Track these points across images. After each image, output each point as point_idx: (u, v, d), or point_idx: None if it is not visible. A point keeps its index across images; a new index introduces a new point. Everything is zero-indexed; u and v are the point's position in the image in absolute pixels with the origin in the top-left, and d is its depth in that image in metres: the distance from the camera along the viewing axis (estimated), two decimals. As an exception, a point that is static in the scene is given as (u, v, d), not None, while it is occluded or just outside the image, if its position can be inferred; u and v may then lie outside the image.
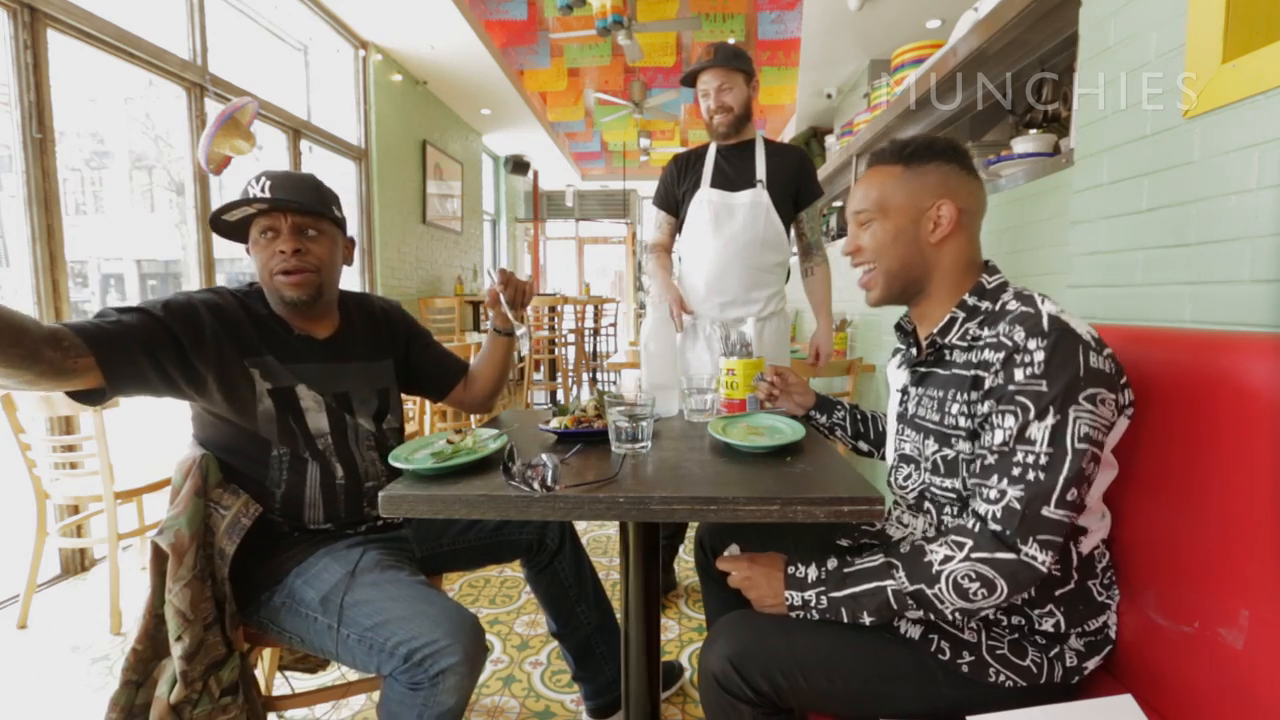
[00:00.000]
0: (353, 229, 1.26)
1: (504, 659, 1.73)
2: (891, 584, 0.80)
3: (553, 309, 5.43)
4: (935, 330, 0.91)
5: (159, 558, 1.01)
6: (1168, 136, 1.12)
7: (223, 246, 3.18)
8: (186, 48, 3.01)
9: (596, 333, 7.39)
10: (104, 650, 1.82)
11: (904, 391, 1.00)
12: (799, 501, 0.78)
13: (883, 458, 1.23)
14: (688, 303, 1.93)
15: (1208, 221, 1.03)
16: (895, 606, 0.80)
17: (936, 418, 0.90)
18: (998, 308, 0.86)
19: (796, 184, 1.89)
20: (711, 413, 1.23)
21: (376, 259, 4.73)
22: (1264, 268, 0.93)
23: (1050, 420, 0.75)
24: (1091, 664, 0.85)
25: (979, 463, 0.81)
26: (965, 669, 0.84)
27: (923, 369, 0.95)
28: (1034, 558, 0.74)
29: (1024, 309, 0.82)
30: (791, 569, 0.87)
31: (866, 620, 0.83)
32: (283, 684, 1.39)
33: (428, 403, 2.50)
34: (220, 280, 3.19)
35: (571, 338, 5.94)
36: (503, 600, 2.06)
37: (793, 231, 1.97)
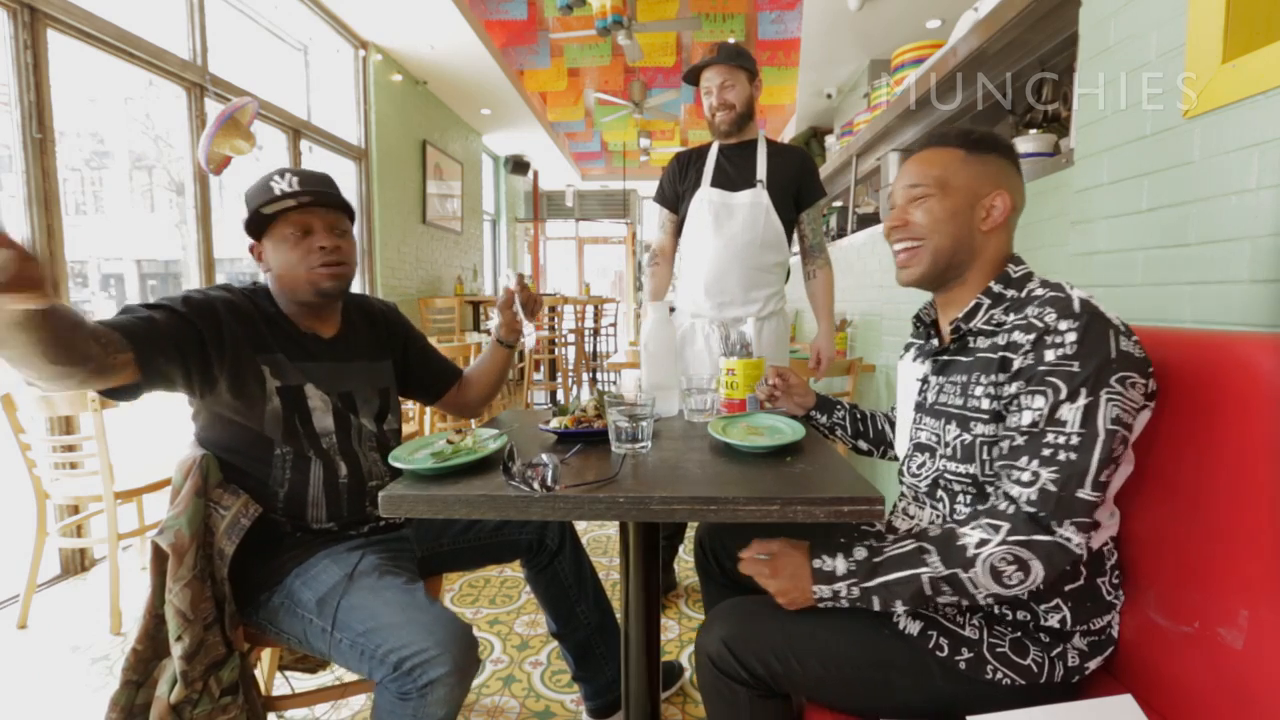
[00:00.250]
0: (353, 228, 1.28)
1: (504, 659, 1.73)
2: (926, 570, 0.77)
3: (553, 309, 5.43)
4: (960, 316, 0.91)
5: (159, 558, 1.01)
6: (1168, 136, 1.12)
7: (223, 246, 3.18)
8: (186, 48, 3.01)
9: (596, 333, 7.39)
10: (104, 650, 1.83)
11: (923, 381, 1.00)
12: (799, 501, 0.78)
13: (882, 456, 1.23)
14: (684, 302, 1.94)
15: (1208, 221, 1.03)
16: (929, 593, 0.78)
17: (959, 402, 0.89)
18: (1023, 294, 0.87)
19: (798, 184, 1.89)
20: (711, 413, 1.23)
21: (376, 259, 4.73)
22: (1264, 268, 0.93)
23: (1082, 401, 0.75)
24: (1093, 664, 0.85)
25: (1006, 444, 0.81)
26: (963, 665, 0.84)
27: (944, 357, 0.95)
28: (1068, 539, 0.74)
29: (1053, 293, 0.82)
30: (818, 563, 0.84)
31: (899, 609, 0.81)
32: (282, 684, 1.39)
33: (428, 403, 2.50)
34: (220, 280, 3.19)
35: (571, 338, 5.95)
36: (503, 600, 2.06)
37: (794, 232, 1.98)
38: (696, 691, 1.40)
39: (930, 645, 0.85)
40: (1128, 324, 0.80)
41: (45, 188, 2.21)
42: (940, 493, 0.93)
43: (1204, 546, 0.77)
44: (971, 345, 0.91)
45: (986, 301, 0.89)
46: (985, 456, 0.86)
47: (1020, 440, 0.79)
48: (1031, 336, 0.80)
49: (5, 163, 2.21)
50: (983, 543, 0.76)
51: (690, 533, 2.18)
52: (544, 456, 0.86)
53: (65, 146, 2.30)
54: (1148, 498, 0.86)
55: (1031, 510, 0.76)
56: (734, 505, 0.79)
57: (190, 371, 1.00)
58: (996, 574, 0.75)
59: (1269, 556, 0.70)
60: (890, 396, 2.61)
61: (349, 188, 4.64)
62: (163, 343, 0.95)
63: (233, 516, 1.04)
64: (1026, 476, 0.77)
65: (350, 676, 1.56)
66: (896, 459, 1.22)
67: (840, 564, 0.83)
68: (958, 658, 0.84)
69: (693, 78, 1.90)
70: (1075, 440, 0.75)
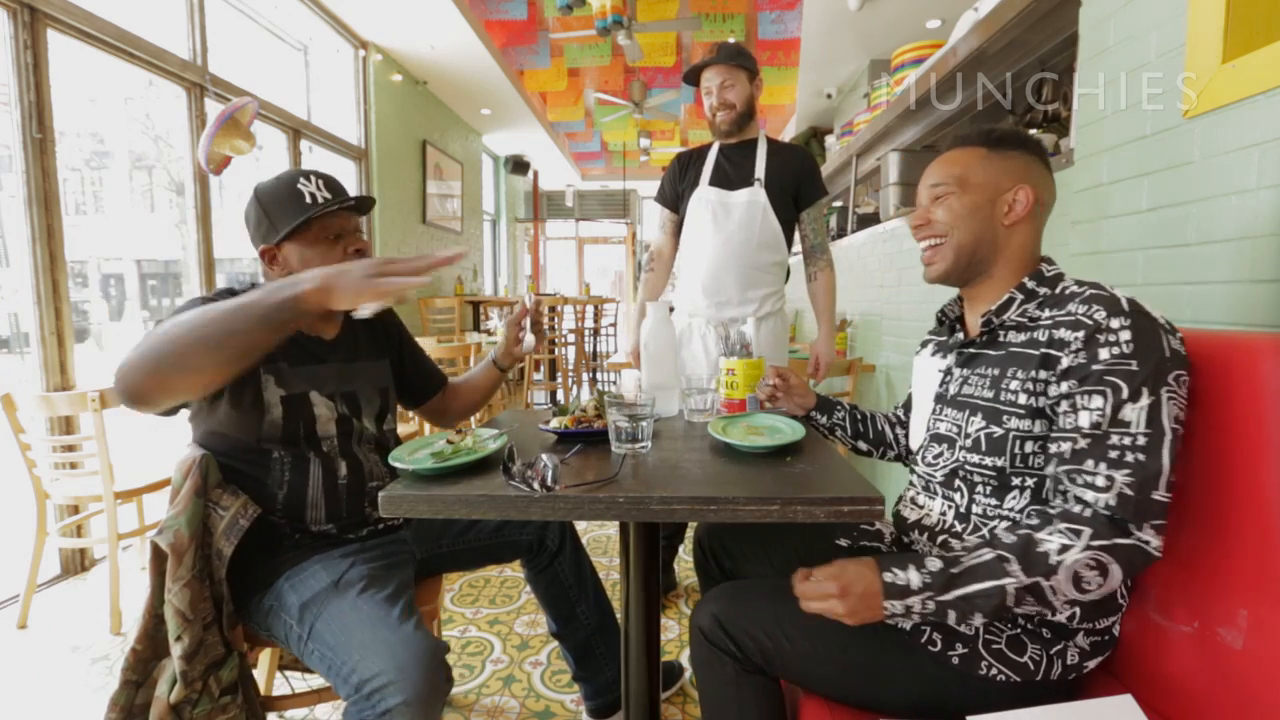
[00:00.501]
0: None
1: (504, 659, 1.73)
2: (1010, 581, 0.74)
3: (553, 309, 5.43)
4: (992, 309, 0.91)
5: (158, 558, 1.01)
6: (1168, 136, 1.12)
7: (223, 246, 3.18)
8: (186, 48, 3.01)
9: (596, 333, 7.39)
10: (104, 650, 1.82)
11: (946, 373, 1.00)
12: (799, 501, 0.78)
13: (882, 456, 1.23)
14: (681, 302, 1.95)
15: (1208, 221, 1.03)
16: (1011, 604, 0.74)
17: (989, 395, 0.89)
18: (1056, 292, 0.87)
19: (797, 183, 1.88)
20: (711, 413, 1.23)
21: (376, 259, 4.72)
22: (1264, 268, 0.94)
23: (1145, 401, 0.74)
24: (1092, 664, 0.85)
25: (1067, 446, 0.79)
26: (956, 661, 0.83)
27: (971, 350, 0.95)
28: (1147, 542, 0.73)
29: (1094, 290, 0.82)
30: (889, 576, 0.78)
31: (977, 622, 0.79)
32: (282, 684, 1.39)
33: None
34: (220, 280, 3.19)
35: (571, 338, 5.94)
36: (503, 600, 2.06)
37: (795, 232, 1.97)
38: (696, 691, 1.40)
39: (923, 640, 0.85)
40: (1170, 322, 0.80)
41: (45, 188, 2.21)
42: (958, 483, 0.93)
43: (1204, 546, 0.77)
44: (1002, 339, 0.91)
45: (1020, 297, 0.90)
46: (1017, 450, 0.85)
47: (1083, 443, 0.77)
48: (1081, 334, 0.79)
49: (5, 163, 2.21)
50: (1064, 548, 0.73)
51: (690, 533, 2.18)
52: (544, 456, 0.86)
53: (65, 146, 2.30)
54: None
55: (1110, 514, 0.74)
56: (734, 505, 0.79)
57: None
58: (1078, 580, 0.73)
59: (1269, 556, 0.70)
60: (891, 396, 2.61)
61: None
62: None
63: (231, 517, 1.04)
64: (1100, 481, 0.75)
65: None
66: (896, 460, 1.22)
67: (914, 577, 0.77)
68: (951, 653, 0.84)
69: (693, 78, 1.90)
70: (1142, 441, 0.74)
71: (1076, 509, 0.76)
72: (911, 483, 1.04)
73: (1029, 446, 0.85)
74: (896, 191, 2.60)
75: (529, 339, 1.33)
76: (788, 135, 6.93)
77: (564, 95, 6.73)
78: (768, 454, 0.97)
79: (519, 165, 8.25)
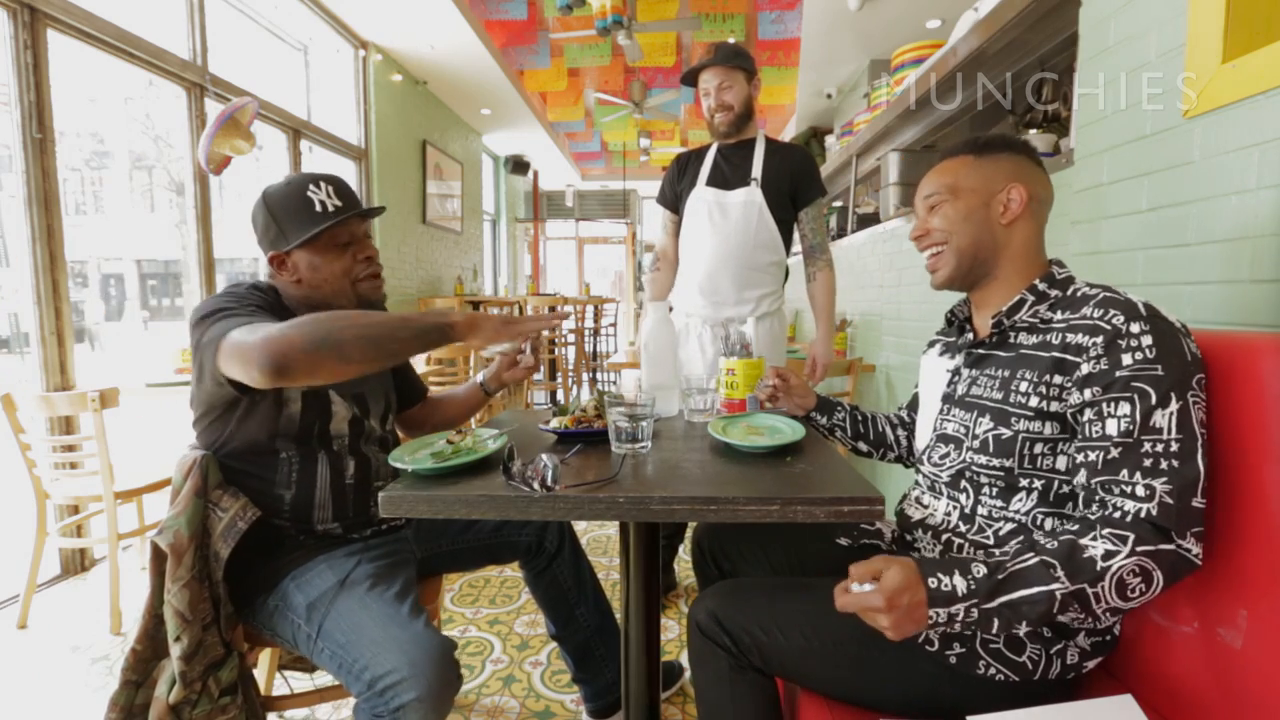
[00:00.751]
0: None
1: (504, 659, 1.73)
2: (1058, 587, 0.72)
3: (552, 309, 5.43)
4: (1003, 310, 0.92)
5: (158, 558, 1.01)
6: (1168, 136, 1.12)
7: (223, 246, 3.17)
8: (186, 48, 3.01)
9: (596, 333, 7.39)
10: (104, 650, 1.83)
11: (954, 373, 1.00)
12: (799, 501, 0.78)
13: (882, 457, 1.23)
14: (679, 301, 1.96)
15: (1208, 221, 1.03)
16: (1057, 611, 0.72)
17: (999, 396, 0.89)
18: (1068, 294, 0.87)
19: (794, 183, 1.88)
20: (711, 413, 1.23)
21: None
22: (1264, 268, 0.93)
23: (1174, 406, 0.74)
24: (1091, 663, 0.85)
25: (1097, 455, 0.77)
26: (953, 660, 0.83)
27: (981, 350, 0.96)
28: (1189, 550, 0.72)
29: (1108, 294, 0.82)
30: (934, 582, 0.74)
31: (1020, 631, 0.77)
32: (282, 684, 1.39)
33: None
34: (220, 280, 3.19)
35: (571, 338, 5.95)
36: (503, 600, 2.06)
37: (794, 232, 1.97)
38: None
39: (920, 639, 0.84)
40: (1185, 324, 0.80)
41: (45, 188, 2.21)
42: (965, 484, 0.93)
43: (1205, 545, 0.77)
44: (1013, 340, 0.91)
45: (1031, 298, 0.90)
46: (1026, 452, 0.85)
47: (1115, 452, 0.76)
48: (1100, 339, 0.78)
49: (5, 163, 2.21)
50: (1110, 554, 0.71)
51: (690, 533, 2.18)
52: (544, 456, 0.86)
53: (65, 146, 2.30)
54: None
55: (1153, 522, 0.73)
56: (734, 505, 0.79)
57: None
58: (1122, 587, 0.72)
59: (1269, 556, 0.70)
60: (891, 396, 2.61)
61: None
62: None
63: (230, 519, 1.03)
64: (1141, 490, 0.74)
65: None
66: (896, 461, 1.22)
67: (960, 583, 0.74)
68: (948, 652, 0.84)
69: (691, 79, 1.90)
70: (1175, 447, 0.73)
71: (1117, 515, 0.75)
72: (916, 482, 1.04)
73: (1038, 448, 0.85)
74: (896, 191, 2.60)
75: (528, 358, 1.32)
76: (788, 135, 6.93)
77: (564, 95, 6.73)
78: (768, 454, 0.97)
79: (519, 165, 8.25)
